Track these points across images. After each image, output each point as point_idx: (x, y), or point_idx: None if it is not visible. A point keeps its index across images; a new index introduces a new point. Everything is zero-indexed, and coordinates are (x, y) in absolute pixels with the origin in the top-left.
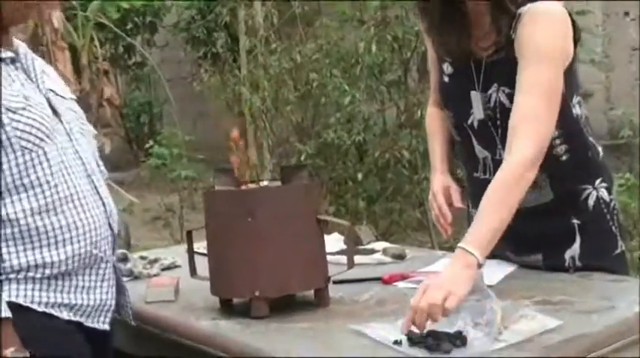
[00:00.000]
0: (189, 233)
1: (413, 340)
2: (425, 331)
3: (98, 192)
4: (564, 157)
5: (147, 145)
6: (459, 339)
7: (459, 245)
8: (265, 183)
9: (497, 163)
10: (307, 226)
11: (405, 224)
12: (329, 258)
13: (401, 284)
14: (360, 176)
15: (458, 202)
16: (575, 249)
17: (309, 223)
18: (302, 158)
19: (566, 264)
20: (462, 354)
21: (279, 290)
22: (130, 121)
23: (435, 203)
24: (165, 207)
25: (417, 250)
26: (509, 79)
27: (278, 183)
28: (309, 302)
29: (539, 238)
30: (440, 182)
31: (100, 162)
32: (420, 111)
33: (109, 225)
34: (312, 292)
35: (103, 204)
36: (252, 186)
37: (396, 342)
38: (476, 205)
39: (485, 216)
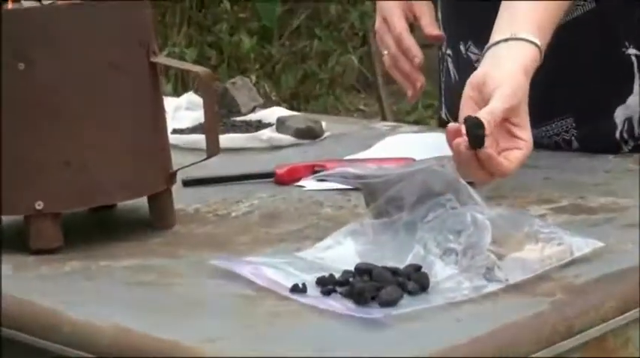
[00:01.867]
0: None
1: (328, 283)
2: (353, 268)
3: None
4: None
5: None
6: (413, 280)
7: (495, 40)
8: None
9: None
10: (130, 78)
11: (333, 80)
12: (175, 138)
13: (310, 185)
14: None
15: (430, 26)
16: (632, 104)
17: (133, 73)
18: None
19: (617, 134)
20: (419, 305)
21: (80, 200)
22: None
23: (386, 32)
24: None
25: (344, 122)
26: None
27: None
28: (138, 221)
29: (569, 89)
30: None
31: None
32: None
33: None
34: (142, 202)
35: None
36: (26, 3)
37: (295, 289)
38: (456, 37)
39: None
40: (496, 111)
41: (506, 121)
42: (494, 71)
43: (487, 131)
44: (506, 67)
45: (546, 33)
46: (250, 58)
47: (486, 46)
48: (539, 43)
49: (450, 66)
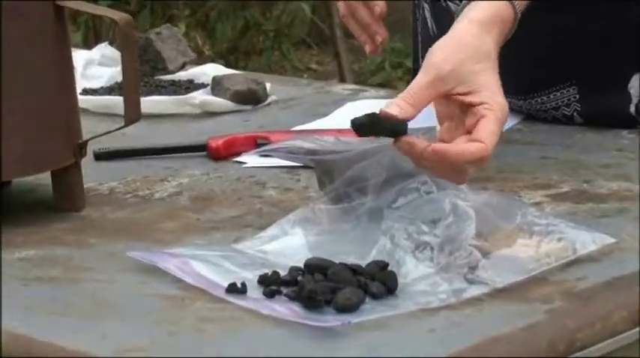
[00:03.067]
0: None
1: (272, 283)
2: (302, 264)
3: None
4: None
5: None
6: (378, 281)
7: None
8: None
9: None
10: (29, 25)
11: (279, 32)
12: (87, 100)
13: (251, 161)
14: None
15: None
16: None
17: (33, 18)
18: None
19: (632, 108)
20: (384, 312)
21: None
22: None
23: None
24: None
25: (293, 84)
26: None
27: None
28: (39, 203)
29: (571, 53)
30: None
31: None
32: None
33: None
34: (44, 179)
35: None
36: None
37: (233, 289)
38: None
39: None
40: (412, 89)
41: (453, 96)
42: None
43: (400, 115)
44: (452, 29)
45: None
46: (178, 3)
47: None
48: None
49: (427, 14)
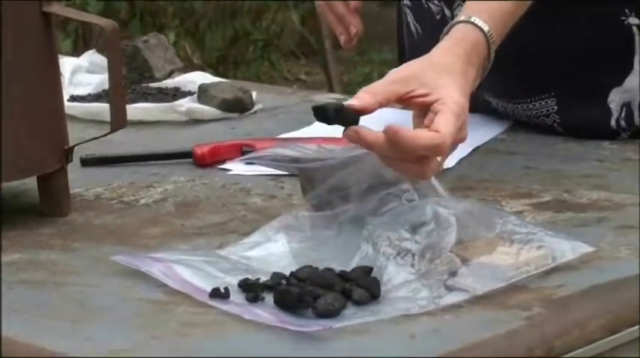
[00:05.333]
0: None
1: (254, 288)
2: (284, 269)
3: None
4: None
5: None
6: (361, 286)
7: (453, 22)
8: None
9: None
10: (16, 31)
11: (268, 42)
12: (74, 107)
13: (236, 168)
14: None
15: None
16: (631, 87)
17: (20, 24)
18: None
19: (612, 121)
20: (365, 317)
21: None
22: None
23: None
24: None
25: (279, 93)
26: None
27: None
28: (24, 207)
29: (550, 64)
30: None
31: None
32: None
33: None
34: (30, 184)
35: None
36: None
37: (216, 293)
38: None
39: None
40: (373, 85)
41: (412, 99)
42: None
43: (358, 105)
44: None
45: (503, 27)
46: (168, 12)
47: None
48: (479, 23)
49: (410, 19)
